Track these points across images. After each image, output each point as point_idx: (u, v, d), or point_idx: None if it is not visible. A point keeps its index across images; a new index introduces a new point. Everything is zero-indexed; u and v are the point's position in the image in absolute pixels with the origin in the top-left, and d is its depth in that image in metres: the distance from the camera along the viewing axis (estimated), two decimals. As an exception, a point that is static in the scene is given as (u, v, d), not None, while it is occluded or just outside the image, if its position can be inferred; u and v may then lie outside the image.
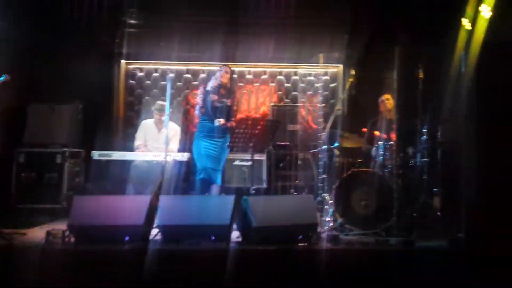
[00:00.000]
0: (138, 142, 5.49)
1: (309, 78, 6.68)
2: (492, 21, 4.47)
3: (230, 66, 5.11)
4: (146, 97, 6.53)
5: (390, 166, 4.60)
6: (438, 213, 4.56)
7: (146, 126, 5.58)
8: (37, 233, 4.21)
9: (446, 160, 4.76)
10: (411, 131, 4.76)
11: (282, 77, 6.73)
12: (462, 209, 4.14)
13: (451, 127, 4.84)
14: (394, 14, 5.40)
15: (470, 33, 4.76)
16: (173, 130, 5.43)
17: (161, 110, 5.42)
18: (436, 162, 4.77)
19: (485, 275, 3.50)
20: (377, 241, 4.05)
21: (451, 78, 4.82)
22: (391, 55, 4.53)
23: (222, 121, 4.86)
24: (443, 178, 4.72)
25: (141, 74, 6.66)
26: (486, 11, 4.56)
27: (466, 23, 4.91)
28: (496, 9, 4.47)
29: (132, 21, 6.38)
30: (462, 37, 4.91)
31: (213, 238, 3.86)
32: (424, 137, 4.65)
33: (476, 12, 4.73)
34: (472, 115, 4.09)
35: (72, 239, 3.80)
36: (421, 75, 4.61)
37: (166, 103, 4.67)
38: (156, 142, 5.47)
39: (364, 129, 5.18)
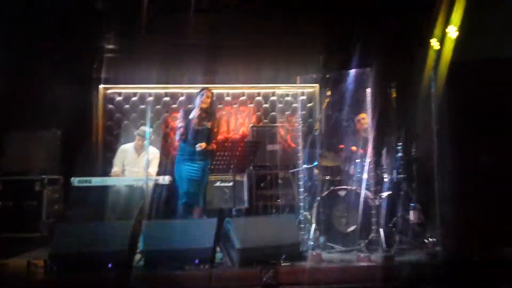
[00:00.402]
0: (115, 168, 5.49)
1: (286, 98, 6.80)
2: (459, 42, 4.71)
3: (210, 89, 5.17)
4: (125, 121, 6.52)
5: (368, 183, 4.72)
6: (416, 227, 4.66)
7: (125, 151, 5.59)
8: (18, 263, 4.14)
9: (421, 175, 4.90)
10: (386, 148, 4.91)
11: (260, 98, 6.83)
12: (438, 223, 4.29)
13: (424, 143, 4.99)
14: (365, 36, 5.58)
15: (439, 52, 5.00)
16: (152, 154, 5.45)
17: (144, 136, 5.46)
18: (412, 177, 4.90)
19: (461, 284, 3.61)
20: (358, 257, 4.11)
21: (422, 96, 4.99)
22: (365, 75, 4.68)
23: (203, 145, 4.90)
24: (419, 193, 4.84)
25: (120, 98, 6.67)
26: (452, 32, 4.80)
27: (434, 43, 5.15)
28: (462, 30, 4.71)
29: (110, 46, 6.44)
30: (431, 56, 5.15)
31: (196, 261, 3.86)
32: (400, 153, 4.79)
33: (444, 33, 4.98)
34: (444, 132, 4.28)
35: (55, 268, 3.76)
36: (394, 94, 4.78)
37: (147, 127, 4.70)
38: (136, 167, 5.48)
39: (341, 146, 5.31)
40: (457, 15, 4.65)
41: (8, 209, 5.31)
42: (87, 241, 3.82)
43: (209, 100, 5.00)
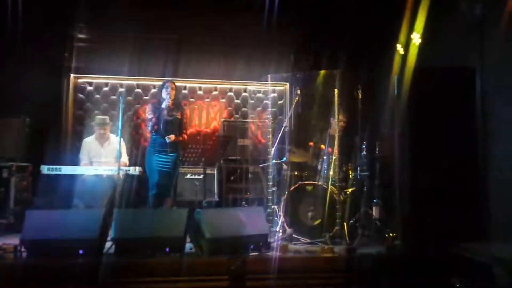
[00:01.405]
0: (82, 162, 5.50)
1: (258, 95, 6.96)
2: (422, 48, 4.99)
3: (173, 81, 5.25)
4: (96, 111, 6.51)
5: (334, 179, 4.93)
6: (377, 222, 4.92)
7: (88, 143, 5.60)
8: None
9: (383, 173, 5.16)
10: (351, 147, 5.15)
11: (232, 94, 6.96)
12: (397, 218, 4.56)
13: (387, 143, 5.26)
14: (335, 39, 5.81)
15: (403, 57, 5.28)
16: (117, 142, 5.39)
17: (103, 124, 5.49)
18: (375, 175, 5.15)
19: (418, 276, 3.87)
20: (322, 248, 4.32)
21: (387, 98, 5.26)
22: (333, 76, 4.90)
23: (172, 137, 4.99)
24: (381, 190, 5.10)
25: (91, 88, 6.65)
26: (416, 38, 5.08)
27: (399, 48, 5.42)
28: (425, 36, 5.00)
29: (82, 36, 6.41)
30: (396, 61, 5.42)
31: (167, 250, 3.96)
32: (363, 152, 5.04)
33: (409, 39, 5.25)
34: (404, 133, 4.55)
35: (24, 254, 3.78)
36: (360, 95, 5.02)
37: (119, 118, 4.76)
38: (101, 157, 5.50)
39: (311, 143, 5.51)
40: (420, 23, 4.92)
41: (-25, 196, 5.24)
42: (58, 228, 3.85)
43: (174, 91, 5.12)
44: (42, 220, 3.91)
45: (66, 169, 5.08)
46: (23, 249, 3.80)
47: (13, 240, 4.01)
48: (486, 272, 3.61)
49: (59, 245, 3.77)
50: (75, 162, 5.62)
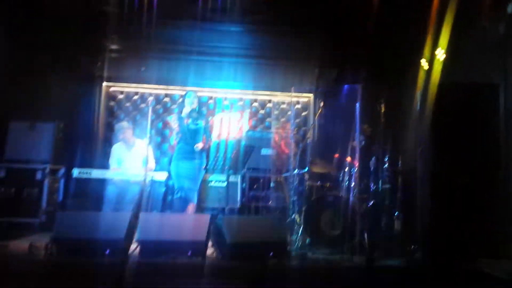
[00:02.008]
0: (113, 166, 5.66)
1: (282, 106, 7.10)
2: (446, 64, 5.02)
3: (195, 91, 5.43)
4: (126, 118, 6.76)
5: (355, 191, 4.98)
6: (398, 235, 4.93)
7: (116, 149, 5.78)
8: (18, 245, 4.37)
9: (405, 186, 5.17)
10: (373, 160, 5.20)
11: (257, 104, 7.11)
12: (418, 231, 4.57)
13: (410, 157, 5.27)
14: (359, 53, 5.89)
15: (428, 72, 5.31)
16: (143, 147, 5.52)
17: (122, 128, 5.68)
18: (397, 188, 5.17)
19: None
20: (341, 258, 4.37)
21: (410, 113, 5.29)
22: (356, 90, 4.97)
23: (200, 145, 5.16)
24: (403, 203, 5.11)
25: (121, 96, 6.92)
26: (440, 54, 5.11)
27: (424, 63, 5.46)
28: (449, 52, 5.03)
29: (113, 46, 6.69)
30: (421, 76, 5.45)
31: (189, 253, 4.10)
32: (386, 165, 5.07)
33: (433, 54, 5.29)
34: (427, 148, 4.58)
35: (55, 251, 3.98)
36: (383, 109, 5.08)
37: (148, 126, 4.96)
38: (127, 162, 5.66)
39: (336, 155, 5.57)
40: (444, 39, 4.95)
41: (10, 196, 5.51)
42: (87, 229, 4.04)
43: (196, 100, 5.27)
44: (72, 221, 4.12)
45: (96, 173, 5.30)
46: (53, 248, 4.00)
47: (45, 239, 4.21)
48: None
49: (87, 245, 3.95)
50: (105, 166, 5.83)
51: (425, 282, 4.00)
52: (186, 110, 5.19)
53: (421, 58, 5.40)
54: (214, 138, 6.18)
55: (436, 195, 4.46)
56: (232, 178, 5.84)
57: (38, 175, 5.63)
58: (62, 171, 5.98)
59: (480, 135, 4.39)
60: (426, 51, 5.39)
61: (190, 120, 5.18)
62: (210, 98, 7.02)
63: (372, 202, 5.08)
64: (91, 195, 5.43)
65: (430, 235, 4.47)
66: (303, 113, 7.09)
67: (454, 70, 4.86)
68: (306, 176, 5.32)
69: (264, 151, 6.30)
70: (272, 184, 6.04)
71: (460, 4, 4.88)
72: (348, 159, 5.35)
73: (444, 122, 4.51)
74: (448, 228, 4.30)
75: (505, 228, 4.24)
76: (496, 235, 4.17)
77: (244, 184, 6.12)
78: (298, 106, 7.05)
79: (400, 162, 5.25)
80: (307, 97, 7.05)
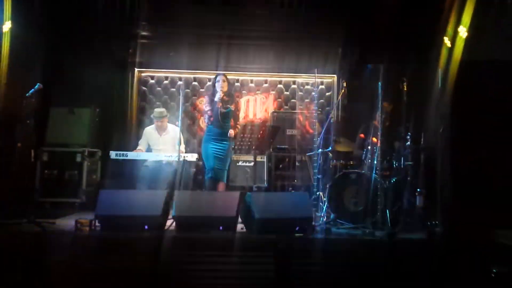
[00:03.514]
0: (139, 147, 5.96)
1: (306, 87, 7.25)
2: (468, 42, 5.07)
3: (225, 74, 5.62)
4: (157, 103, 7.08)
5: (378, 168, 5.14)
6: (420, 210, 5.09)
7: (148, 132, 6.06)
8: (64, 222, 4.77)
9: (428, 163, 5.29)
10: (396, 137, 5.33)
11: (281, 86, 7.29)
12: (439, 207, 4.73)
13: (432, 135, 5.38)
14: (381, 32, 5.96)
15: (450, 50, 5.37)
16: (175, 132, 5.88)
17: (160, 117, 5.96)
18: (419, 165, 5.30)
19: (456, 261, 4.05)
20: (364, 233, 4.59)
21: (433, 91, 5.38)
22: (378, 69, 5.08)
23: (232, 133, 5.40)
24: (425, 179, 5.25)
25: (153, 81, 7.23)
26: (463, 32, 5.15)
27: (447, 41, 5.50)
28: (472, 30, 5.07)
29: (144, 33, 6.95)
30: (443, 54, 5.51)
31: (221, 228, 4.40)
32: (408, 143, 5.20)
33: (456, 32, 5.33)
34: (449, 125, 4.70)
35: (98, 228, 4.36)
36: (405, 87, 5.18)
37: (179, 109, 5.24)
38: (159, 145, 5.94)
39: (362, 135, 5.73)
40: (466, 16, 4.99)
41: (53, 177, 5.95)
42: (127, 206, 4.39)
43: (226, 83, 5.49)
44: (114, 199, 4.47)
45: (131, 155, 5.61)
46: (97, 223, 4.38)
47: (87, 216, 4.54)
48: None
49: (127, 221, 4.30)
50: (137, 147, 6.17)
51: (445, 255, 4.19)
52: (219, 95, 5.40)
53: (444, 36, 5.45)
54: (241, 119, 6.41)
55: (457, 171, 4.60)
56: (259, 158, 6.11)
57: (78, 158, 6.01)
58: (99, 153, 6.37)
59: (500, 112, 4.47)
60: (449, 29, 5.43)
61: (221, 104, 5.41)
62: (237, 80, 7.23)
63: (394, 179, 5.24)
64: (127, 175, 5.80)
65: (451, 209, 4.62)
66: (327, 94, 7.24)
67: (476, 48, 4.92)
68: (330, 155, 5.51)
69: (289, 131, 6.51)
70: (297, 163, 6.25)
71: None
72: (374, 139, 5.49)
73: (465, 100, 4.61)
74: (468, 201, 4.44)
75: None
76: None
77: (270, 164, 6.37)
78: (322, 86, 7.19)
79: (422, 139, 5.36)
80: (331, 78, 7.17)
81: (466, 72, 4.64)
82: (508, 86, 4.51)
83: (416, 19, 5.77)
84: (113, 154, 5.54)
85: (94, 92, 6.53)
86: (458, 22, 5.22)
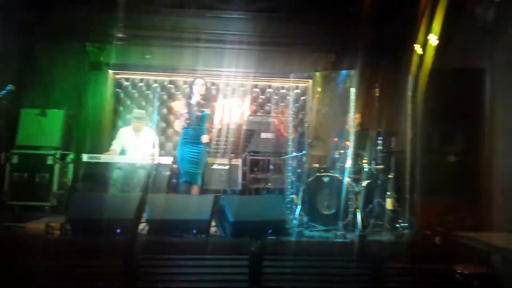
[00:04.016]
0: (112, 147, 5.92)
1: (282, 91, 7.33)
2: (439, 49, 5.22)
3: (203, 78, 5.64)
4: (132, 105, 7.03)
5: (350, 171, 5.23)
6: (389, 213, 5.20)
7: (124, 133, 6.02)
8: (34, 227, 4.68)
9: (398, 167, 5.43)
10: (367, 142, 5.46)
11: (257, 90, 7.35)
12: (408, 209, 4.86)
13: (403, 139, 5.52)
14: (355, 39, 6.09)
15: (421, 58, 5.51)
16: (152, 135, 5.85)
17: (139, 118, 5.94)
18: (389, 168, 5.43)
19: (422, 261, 4.18)
20: (335, 235, 4.68)
21: (404, 97, 5.51)
22: (351, 75, 5.20)
23: (205, 138, 5.39)
24: (395, 183, 5.37)
25: (127, 83, 7.17)
26: (433, 40, 5.30)
27: (418, 48, 5.64)
28: (442, 38, 5.22)
29: (120, 35, 6.88)
30: (415, 61, 5.64)
31: (194, 231, 4.40)
32: (379, 147, 5.32)
33: (426, 40, 5.47)
34: (418, 130, 4.84)
35: (70, 231, 4.30)
36: (377, 93, 5.31)
37: (154, 112, 5.22)
38: (135, 148, 5.92)
39: (336, 139, 5.82)
40: (437, 25, 5.13)
41: (23, 180, 5.84)
42: (99, 209, 4.32)
43: (204, 87, 5.51)
44: (85, 202, 4.42)
45: (104, 158, 5.57)
46: (68, 227, 4.32)
47: (58, 220, 4.49)
48: (487, 260, 3.90)
49: (99, 224, 4.23)
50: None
51: (411, 256, 4.31)
52: (195, 97, 5.42)
53: (415, 43, 5.59)
54: (217, 123, 6.43)
55: (425, 174, 4.73)
56: (234, 161, 6.13)
57: (49, 161, 5.92)
58: (71, 156, 6.28)
59: (466, 117, 4.63)
60: (420, 36, 5.57)
61: (196, 107, 5.42)
62: (213, 84, 7.25)
63: (366, 182, 5.35)
64: (99, 179, 5.72)
65: (418, 211, 4.76)
66: (302, 98, 7.33)
67: (445, 56, 5.07)
68: (304, 158, 5.59)
69: (264, 135, 6.56)
70: (271, 167, 6.31)
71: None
72: (347, 143, 5.60)
73: (433, 106, 4.75)
74: (435, 204, 4.58)
75: (485, 204, 4.52)
76: (475, 211, 4.45)
77: (245, 167, 6.40)
78: (297, 91, 7.27)
79: (393, 143, 5.49)
80: (306, 82, 7.27)
81: (436, 79, 4.77)
82: (475, 93, 4.67)
83: (389, 26, 5.91)
84: (85, 157, 5.49)
85: (67, 94, 6.47)
86: (428, 30, 5.35)
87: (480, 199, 4.52)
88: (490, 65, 4.63)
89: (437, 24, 5.21)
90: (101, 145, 6.49)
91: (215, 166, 6.32)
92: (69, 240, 4.20)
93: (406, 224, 4.82)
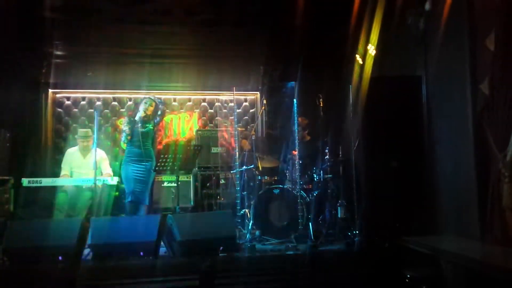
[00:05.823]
0: (63, 172, 5.69)
1: (230, 104, 7.30)
2: (377, 58, 5.38)
3: (154, 98, 5.50)
4: (74, 125, 6.78)
5: (300, 182, 5.26)
6: (341, 222, 5.25)
7: (71, 154, 5.79)
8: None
9: (346, 175, 5.49)
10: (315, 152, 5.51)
11: (205, 104, 7.29)
12: (357, 218, 4.92)
13: (349, 147, 5.61)
14: (297, 51, 6.17)
15: (362, 67, 5.66)
16: (100, 155, 5.66)
17: (85, 137, 5.74)
18: (339, 177, 5.49)
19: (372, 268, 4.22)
20: (287, 247, 4.66)
21: (347, 106, 5.62)
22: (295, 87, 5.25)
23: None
24: (344, 191, 5.43)
25: (69, 102, 6.92)
26: (372, 50, 5.47)
27: (358, 58, 5.80)
28: (379, 48, 5.39)
29: (58, 52, 6.64)
30: (356, 70, 5.79)
31: (141, 253, 4.25)
32: (327, 156, 5.38)
33: (366, 50, 5.63)
34: (362, 138, 4.93)
35: (7, 262, 4.04)
36: (321, 103, 5.38)
37: (94, 131, 5.03)
38: (82, 168, 5.69)
39: (294, 152, 5.83)
40: (374, 35, 5.30)
41: (-44, 209, 5.45)
42: (39, 236, 4.10)
43: (152, 108, 5.38)
44: (23, 230, 4.17)
45: (46, 181, 5.30)
46: (6, 257, 4.05)
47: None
48: (434, 263, 3.99)
49: (39, 252, 4.00)
50: (56, 174, 5.85)
51: (361, 263, 4.35)
52: (140, 114, 5.28)
53: (355, 54, 5.74)
54: (164, 139, 6.30)
55: (370, 182, 4.82)
56: (184, 178, 6.02)
57: (-14, 187, 5.58)
58: (11, 181, 5.93)
59: (407, 124, 4.77)
60: (360, 46, 5.73)
61: (140, 124, 5.29)
62: (159, 99, 7.10)
63: (316, 192, 5.38)
64: (42, 203, 5.45)
65: (367, 218, 4.83)
66: (251, 110, 7.33)
67: (384, 64, 5.23)
68: (254, 171, 5.56)
69: (214, 149, 6.49)
70: (222, 181, 6.25)
71: (387, 1, 5.22)
72: (294, 152, 5.63)
73: (375, 113, 4.86)
74: (381, 210, 4.67)
75: (429, 208, 4.65)
76: (421, 215, 4.57)
77: (197, 183, 6.30)
78: (246, 103, 7.28)
79: (340, 152, 5.57)
80: (254, 95, 7.29)
81: (375, 87, 4.90)
82: (413, 100, 4.82)
83: (330, 39, 6.02)
84: (25, 181, 5.21)
85: (4, 115, 6.10)
86: (367, 41, 5.51)
87: (424, 203, 4.64)
88: (425, 73, 4.80)
89: (374, 34, 5.38)
90: (43, 168, 6.20)
91: (165, 184, 6.19)
92: (6, 271, 3.95)
93: (357, 232, 4.87)
